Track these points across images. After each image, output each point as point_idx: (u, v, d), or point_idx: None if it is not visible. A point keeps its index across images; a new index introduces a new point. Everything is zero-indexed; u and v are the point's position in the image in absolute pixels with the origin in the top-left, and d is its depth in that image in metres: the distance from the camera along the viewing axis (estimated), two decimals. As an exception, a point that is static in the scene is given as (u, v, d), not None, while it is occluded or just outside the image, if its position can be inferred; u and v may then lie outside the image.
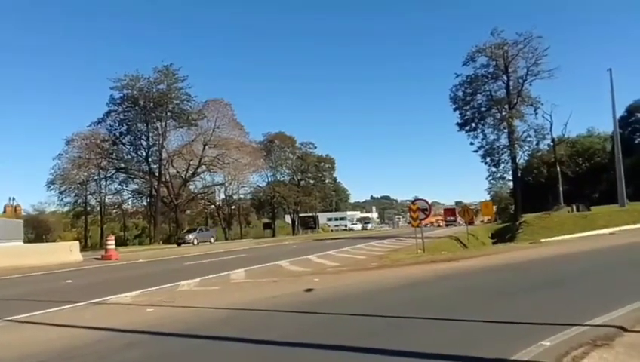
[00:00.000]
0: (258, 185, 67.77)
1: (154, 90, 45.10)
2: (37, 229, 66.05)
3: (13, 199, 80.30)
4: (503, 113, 43.78)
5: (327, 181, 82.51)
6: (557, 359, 4.39)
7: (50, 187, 50.11)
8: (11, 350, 5.54)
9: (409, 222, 31.86)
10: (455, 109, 46.21)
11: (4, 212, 77.99)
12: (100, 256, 22.15)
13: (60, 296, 9.90)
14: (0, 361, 5.08)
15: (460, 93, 45.73)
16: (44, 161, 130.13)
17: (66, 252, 21.13)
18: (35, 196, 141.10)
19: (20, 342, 5.99)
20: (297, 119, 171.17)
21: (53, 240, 54.26)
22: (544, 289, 8.86)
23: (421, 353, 4.75)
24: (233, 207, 65.31)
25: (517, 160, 45.19)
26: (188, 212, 59.14)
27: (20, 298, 10.08)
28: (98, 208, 54.46)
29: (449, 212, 77.04)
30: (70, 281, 13.24)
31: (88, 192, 52.73)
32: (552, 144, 46.03)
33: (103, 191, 53.10)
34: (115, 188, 53.07)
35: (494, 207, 61.29)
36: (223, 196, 63.31)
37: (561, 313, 6.51)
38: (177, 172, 51.46)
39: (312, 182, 75.21)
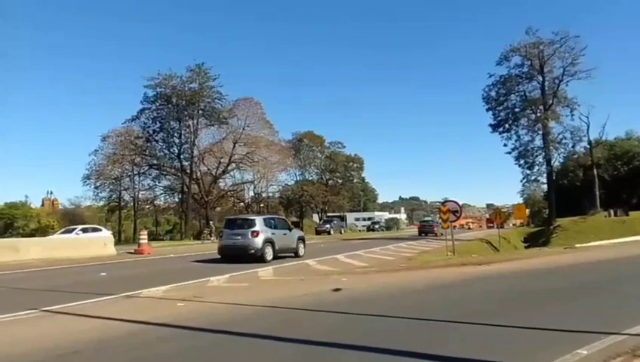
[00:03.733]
0: (287, 184, 68.30)
1: (186, 89, 45.89)
2: (73, 223, 68.04)
3: (51, 193, 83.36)
4: (538, 114, 42.70)
5: (355, 181, 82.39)
6: (594, 368, 4.25)
7: (86, 182, 51.73)
8: (46, 340, 5.70)
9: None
10: (488, 110, 45.39)
11: (42, 205, 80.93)
12: (132, 251, 22.64)
13: (94, 288, 10.15)
14: (35, 350, 5.22)
15: (494, 94, 44.85)
16: (80, 157, 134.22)
17: (101, 245, 21.70)
18: (72, 190, 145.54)
19: (55, 333, 6.16)
20: (326, 119, 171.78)
21: (89, 234, 55.71)
22: (580, 296, 8.60)
23: (450, 357, 4.67)
24: (262, 205, 65.83)
25: (552, 162, 44.06)
26: (218, 209, 59.92)
27: (55, 289, 10.37)
28: (132, 203, 55.83)
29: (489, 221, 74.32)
30: (104, 274, 13.58)
31: (122, 188, 54.13)
32: (588, 146, 44.70)
33: (137, 186, 54.44)
34: (148, 184, 54.32)
35: (527, 211, 59.85)
36: (252, 194, 63.95)
37: (598, 320, 6.30)
38: (208, 169, 52.22)
39: (340, 181, 75.22)
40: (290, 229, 18.42)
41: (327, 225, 53.66)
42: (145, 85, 46.06)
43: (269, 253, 15.96)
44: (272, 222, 17.56)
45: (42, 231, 59.94)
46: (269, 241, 16.09)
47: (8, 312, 7.26)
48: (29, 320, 6.98)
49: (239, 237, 16.19)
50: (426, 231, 41.37)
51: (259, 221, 16.56)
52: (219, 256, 16.76)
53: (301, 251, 18.18)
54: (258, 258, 15.60)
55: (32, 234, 52.22)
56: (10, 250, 18.15)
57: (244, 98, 52.17)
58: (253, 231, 15.88)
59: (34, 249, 18.84)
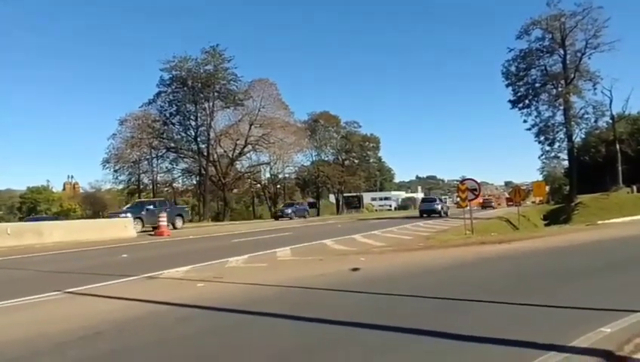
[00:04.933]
0: (303, 165, 68.34)
1: (201, 71, 45.93)
2: (94, 206, 69.41)
3: (72, 177, 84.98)
4: (559, 89, 41.72)
5: (371, 160, 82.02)
6: (618, 346, 4.12)
7: (105, 166, 52.64)
8: (70, 321, 5.81)
9: (456, 203, 31.19)
10: (507, 85, 44.54)
11: (64, 189, 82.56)
12: (152, 232, 22.98)
13: (115, 269, 10.31)
14: (59, 331, 5.31)
15: (513, 69, 43.90)
16: (99, 141, 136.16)
17: (122, 228, 22.05)
18: (92, 174, 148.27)
19: (79, 313, 6.27)
20: (342, 99, 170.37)
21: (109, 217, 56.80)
22: (603, 274, 8.43)
23: (471, 336, 4.60)
24: (278, 186, 66.13)
25: (573, 138, 43.18)
26: (235, 191, 60.38)
27: (78, 271, 10.57)
28: (150, 186, 56.60)
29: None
30: (125, 256, 13.78)
31: (141, 171, 54.90)
32: (611, 121, 43.66)
33: (155, 169, 55.19)
34: (166, 167, 55.07)
35: (547, 188, 59.00)
36: (268, 175, 64.28)
37: (622, 299, 6.14)
38: (224, 151, 52.53)
39: (356, 161, 74.96)
40: None
41: (289, 210, 43.90)
42: (161, 68, 46.35)
43: None
44: None
45: (64, 214, 61.30)
46: None
47: (33, 294, 7.41)
48: (53, 302, 7.12)
49: None
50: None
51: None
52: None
53: None
54: None
55: (54, 218, 53.37)
56: (34, 233, 18.57)
57: (259, 79, 52.16)
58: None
59: (57, 232, 19.25)
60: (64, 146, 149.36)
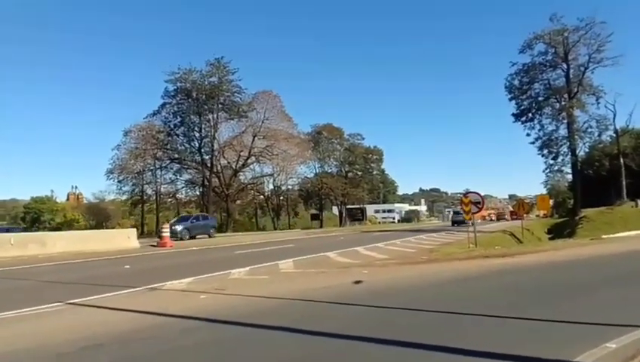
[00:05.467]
0: (306, 176, 68.37)
1: (206, 83, 46.15)
2: (97, 216, 69.65)
3: (76, 187, 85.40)
4: (563, 103, 41.63)
5: (374, 173, 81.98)
6: (624, 362, 4.11)
7: (109, 176, 52.82)
8: (72, 332, 5.80)
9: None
10: (511, 99, 44.42)
11: (68, 200, 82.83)
12: (155, 243, 22.98)
13: (118, 280, 10.31)
14: (61, 342, 5.31)
15: (517, 82, 43.85)
16: (104, 152, 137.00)
17: (124, 238, 22.09)
18: (96, 185, 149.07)
19: (80, 325, 6.26)
20: (346, 111, 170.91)
21: (112, 227, 56.97)
22: (607, 288, 8.37)
23: (474, 351, 4.57)
24: (281, 198, 66.11)
25: (577, 152, 42.96)
26: (238, 202, 60.40)
27: (80, 282, 10.57)
28: (154, 197, 56.75)
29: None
30: (128, 267, 13.79)
31: (145, 182, 55.09)
32: (615, 135, 43.55)
33: (159, 180, 55.35)
34: (170, 178, 55.16)
35: (551, 201, 58.76)
36: (271, 187, 64.33)
37: (626, 314, 6.09)
38: (228, 163, 52.63)
39: (359, 173, 74.94)
40: None
41: (179, 226, 29.19)
42: (165, 80, 46.52)
43: None
44: None
45: (68, 224, 61.43)
46: None
47: (35, 305, 7.42)
48: (55, 313, 7.11)
49: None
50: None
51: None
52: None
53: None
54: None
55: (58, 228, 53.56)
56: (38, 243, 18.63)
57: (263, 91, 52.39)
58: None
59: (60, 242, 19.28)
60: (68, 157, 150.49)
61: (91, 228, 58.24)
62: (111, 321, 6.48)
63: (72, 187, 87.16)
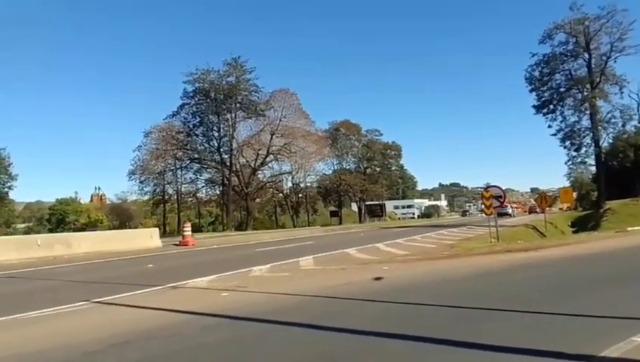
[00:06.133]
0: (324, 174, 68.27)
1: (224, 83, 46.45)
2: (120, 217, 70.87)
3: (99, 189, 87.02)
4: (585, 93, 40.80)
5: (393, 168, 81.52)
6: (650, 356, 4.02)
7: (131, 177, 53.68)
8: (99, 330, 5.92)
9: (481, 210, 30.81)
10: (531, 91, 43.75)
11: (91, 201, 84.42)
12: (177, 242, 23.25)
13: (142, 279, 10.47)
14: (88, 340, 5.42)
15: (537, 74, 43.13)
16: (125, 153, 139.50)
17: (147, 238, 22.40)
18: (118, 186, 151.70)
19: (106, 323, 6.39)
20: (363, 107, 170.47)
21: (135, 227, 57.91)
22: (633, 282, 8.19)
23: (498, 346, 4.52)
24: (300, 195, 66.22)
25: (600, 143, 42.09)
26: (258, 200, 60.72)
27: (105, 281, 10.77)
28: (175, 197, 57.46)
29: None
30: (151, 266, 13.99)
31: (166, 182, 55.79)
32: (639, 125, 42.47)
33: (179, 180, 55.98)
34: (190, 178, 55.71)
35: (574, 194, 57.65)
36: (290, 184, 64.45)
37: (654, 307, 5.96)
38: (247, 161, 52.90)
39: (378, 169, 74.60)
40: None
41: None
42: (184, 81, 46.95)
43: None
44: None
45: (92, 225, 62.62)
46: None
47: (63, 304, 7.59)
48: (82, 312, 7.27)
49: None
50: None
51: None
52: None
53: None
54: None
55: (82, 229, 54.67)
56: (63, 244, 19.01)
57: (280, 89, 52.47)
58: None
59: (85, 243, 19.65)
60: (92, 159, 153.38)
61: (114, 228, 59.26)
62: (135, 319, 6.61)
63: (96, 188, 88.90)
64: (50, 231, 62.28)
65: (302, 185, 64.89)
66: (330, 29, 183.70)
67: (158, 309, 7.16)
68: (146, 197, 58.25)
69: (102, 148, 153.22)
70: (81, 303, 7.72)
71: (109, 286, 9.66)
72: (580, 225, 36.70)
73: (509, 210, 53.99)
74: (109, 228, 58.18)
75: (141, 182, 53.99)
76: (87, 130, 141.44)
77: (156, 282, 9.77)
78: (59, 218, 72.79)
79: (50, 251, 17.90)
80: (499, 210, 50.26)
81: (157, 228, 27.22)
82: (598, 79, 40.02)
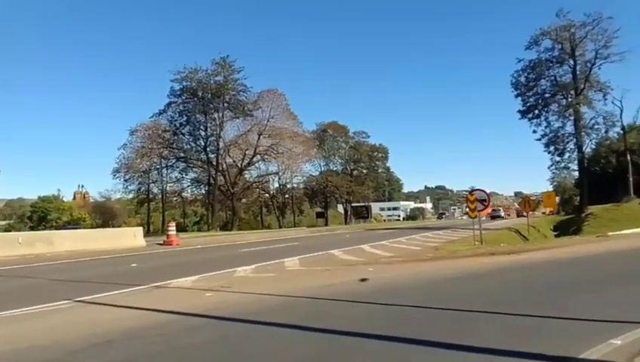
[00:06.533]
0: (311, 175, 68.54)
1: (211, 82, 46.32)
2: (104, 215, 70.08)
3: (82, 186, 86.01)
4: (569, 99, 41.47)
5: (380, 170, 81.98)
6: (629, 358, 4.11)
7: (115, 175, 53.32)
8: (80, 329, 5.86)
9: (466, 213, 31.13)
10: (517, 96, 44.36)
11: (74, 199, 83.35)
12: (161, 242, 23.06)
13: (125, 278, 10.36)
14: (71, 339, 5.37)
15: (523, 79, 43.73)
16: (110, 151, 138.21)
17: (131, 237, 22.18)
18: (102, 184, 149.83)
19: (89, 322, 6.32)
20: (351, 108, 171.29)
21: (119, 226, 57.37)
22: (613, 285, 8.35)
23: (480, 347, 4.58)
24: (287, 196, 66.24)
25: (583, 148, 42.80)
26: (244, 200, 60.57)
27: (88, 280, 10.64)
28: (160, 196, 57.11)
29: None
30: (135, 265, 13.86)
31: (151, 180, 55.47)
32: (622, 132, 43.33)
33: (165, 179, 55.73)
34: (176, 177, 55.54)
35: (557, 198, 58.48)
36: (276, 185, 64.52)
37: (632, 310, 6.08)
38: (234, 161, 52.76)
39: (364, 171, 74.95)
40: None
41: None
42: (171, 79, 46.80)
43: None
44: None
45: (74, 223, 61.81)
46: None
47: (44, 303, 7.49)
48: (64, 311, 7.18)
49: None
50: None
51: None
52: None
53: None
54: None
55: (64, 227, 53.91)
56: (45, 242, 18.74)
57: (269, 90, 52.50)
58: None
59: (67, 241, 19.40)
60: (75, 156, 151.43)
61: (97, 226, 58.58)
62: (119, 319, 6.54)
63: (79, 186, 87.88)
64: (32, 229, 61.36)
65: (288, 185, 64.99)
66: (319, 29, 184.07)
67: (141, 309, 7.10)
68: (131, 196, 57.89)
69: (86, 146, 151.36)
70: (63, 302, 7.62)
71: (91, 286, 9.55)
72: (562, 229, 37.19)
73: (502, 213, 62.05)
74: (92, 227, 57.49)
75: (126, 180, 53.65)
76: (71, 127, 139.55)
77: (139, 281, 9.68)
78: (41, 216, 71.75)
79: (31, 249, 17.63)
80: (493, 214, 53.63)
81: (141, 227, 26.97)
82: (582, 86, 40.68)
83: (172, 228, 23.59)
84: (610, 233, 22.96)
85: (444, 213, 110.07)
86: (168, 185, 56.45)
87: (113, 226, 57.67)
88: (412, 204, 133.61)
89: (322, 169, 69.85)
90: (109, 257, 16.64)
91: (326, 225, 61.25)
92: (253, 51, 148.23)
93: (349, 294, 7.89)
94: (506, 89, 44.96)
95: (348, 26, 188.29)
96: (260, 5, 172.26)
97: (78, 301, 7.79)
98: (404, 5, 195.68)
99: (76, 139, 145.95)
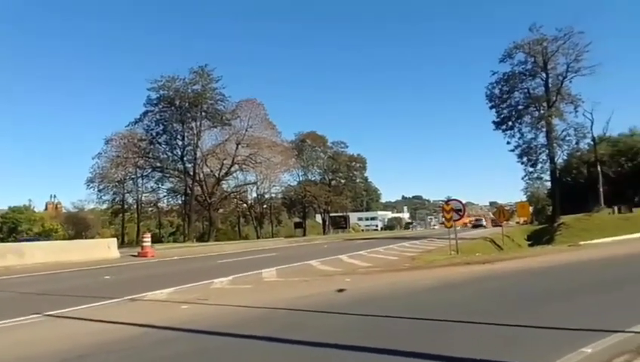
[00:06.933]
0: (289, 185, 68.28)
1: (189, 91, 45.90)
2: (77, 226, 68.47)
3: (54, 197, 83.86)
4: (542, 111, 42.54)
5: (358, 180, 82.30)
6: (599, 367, 4.22)
7: (89, 185, 52.15)
8: (50, 344, 5.72)
9: (442, 223, 31.50)
10: (491, 107, 45.30)
11: (46, 209, 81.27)
12: (136, 253, 22.64)
13: (98, 291, 10.16)
14: (40, 354, 5.22)
15: (497, 91, 44.72)
16: (84, 160, 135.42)
17: (104, 248, 21.70)
18: (75, 194, 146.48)
19: (59, 336, 6.17)
20: (329, 119, 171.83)
21: (92, 237, 56.12)
22: (584, 294, 8.54)
23: (455, 357, 4.64)
24: (265, 206, 65.87)
25: (555, 159, 43.88)
26: (221, 210, 60.00)
27: (59, 293, 10.38)
28: (135, 206, 56.07)
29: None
30: (108, 277, 13.59)
31: (126, 190, 54.45)
32: (592, 143, 44.53)
33: (140, 189, 54.78)
34: (151, 187, 54.67)
35: (531, 208, 59.68)
36: (254, 195, 64.09)
37: (602, 319, 6.23)
38: (211, 171, 52.27)
39: (342, 181, 75.14)
40: None
41: None
42: (148, 88, 46.13)
43: None
44: None
45: (46, 234, 60.23)
46: None
47: (13, 317, 7.27)
48: (34, 325, 6.99)
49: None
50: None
51: None
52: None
53: None
54: None
55: (36, 238, 52.47)
56: (16, 254, 18.19)
57: (247, 99, 52.29)
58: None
59: (38, 253, 18.87)
60: (48, 166, 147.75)
61: (70, 238, 57.19)
62: (91, 332, 6.39)
63: (51, 196, 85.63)
64: (2, 240, 59.48)
65: (267, 195, 64.64)
66: (297, 39, 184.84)
67: (114, 322, 6.95)
68: (105, 206, 56.72)
69: (59, 155, 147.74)
70: (33, 316, 7.42)
71: (62, 299, 9.32)
72: (536, 239, 37.90)
73: (484, 223, 67.87)
74: (64, 238, 56.09)
75: (100, 190, 52.55)
76: (44, 136, 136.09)
77: (113, 294, 9.50)
78: (11, 226, 69.65)
79: (1, 261, 17.08)
80: (475, 223, 62.07)
81: (115, 239, 26.45)
82: (554, 98, 41.79)
83: (147, 239, 23.19)
84: (581, 242, 23.48)
85: (410, 224, 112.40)
86: (144, 195, 55.56)
87: (86, 237, 56.37)
88: (390, 214, 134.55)
89: (301, 179, 69.85)
90: (81, 269, 16.25)
91: (304, 235, 61.06)
92: (232, 60, 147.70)
93: (327, 305, 7.89)
94: (481, 100, 45.79)
95: (326, 36, 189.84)
96: (238, 14, 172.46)
97: (49, 315, 7.59)
98: (382, 16, 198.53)
99: (49, 148, 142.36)
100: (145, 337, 6.00)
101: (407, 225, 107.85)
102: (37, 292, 10.78)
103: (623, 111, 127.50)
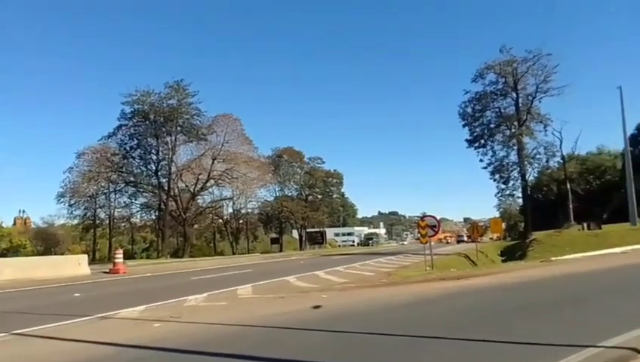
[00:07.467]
0: (266, 200, 68.04)
1: (164, 105, 45.46)
2: (46, 242, 66.40)
3: (23, 211, 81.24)
4: (513, 130, 43.59)
5: (334, 196, 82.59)
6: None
7: (60, 200, 50.85)
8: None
9: (417, 238, 31.79)
10: (464, 126, 46.14)
11: (14, 224, 78.68)
12: (107, 270, 22.12)
13: (67, 309, 9.89)
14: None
15: (469, 110, 45.65)
16: (54, 174, 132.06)
17: (75, 265, 21.14)
18: (45, 209, 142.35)
19: (27, 356, 5.98)
20: (306, 134, 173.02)
21: (62, 253, 54.47)
22: (556, 309, 8.71)
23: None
24: (241, 222, 65.36)
25: (526, 177, 44.87)
26: (196, 226, 59.22)
27: (27, 311, 10.06)
28: (107, 221, 54.81)
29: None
30: (78, 295, 13.24)
31: (98, 205, 53.23)
32: (561, 161, 45.77)
33: (113, 204, 53.59)
34: (124, 202, 53.61)
35: (504, 224, 60.73)
36: (230, 210, 63.56)
37: (574, 333, 6.38)
38: (186, 186, 51.64)
39: (319, 197, 75.28)
40: None
41: None
42: (122, 102, 45.46)
43: None
44: None
45: (14, 250, 58.24)
46: None
47: (-23, 336, 7.01)
48: (1, 344, 6.75)
49: None
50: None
51: None
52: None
53: None
54: None
55: (3, 254, 50.72)
56: (-19, 271, 17.56)
57: (224, 114, 52.09)
58: None
59: (6, 269, 18.31)
60: (16, 180, 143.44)
61: (39, 254, 55.45)
62: (59, 352, 6.20)
63: (19, 211, 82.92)
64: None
65: (243, 211, 64.24)
66: (273, 54, 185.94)
67: (84, 341, 6.76)
68: (76, 222, 55.24)
69: (28, 170, 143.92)
70: (1, 334, 7.18)
71: (31, 317, 9.04)
72: (509, 254, 38.55)
73: (465, 238, 71.88)
74: (33, 254, 54.34)
75: (71, 205, 51.25)
76: (12, 149, 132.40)
77: (83, 312, 9.26)
78: (-24, 242, 67.16)
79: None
80: (459, 239, 71.14)
81: (86, 255, 25.80)
82: (524, 117, 42.92)
83: (119, 255, 22.70)
84: (552, 258, 23.99)
85: (370, 239, 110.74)
86: (116, 210, 54.40)
87: (56, 253, 54.67)
88: (366, 230, 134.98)
89: (277, 194, 69.72)
90: (51, 286, 15.81)
91: (280, 251, 60.70)
92: (207, 75, 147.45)
93: (303, 322, 7.86)
94: (455, 118, 46.63)
95: (302, 51, 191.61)
96: (213, 29, 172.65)
97: (16, 334, 7.36)
98: (358, 31, 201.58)
99: (17, 162, 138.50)
100: (116, 356, 5.87)
101: (366, 242, 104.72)
102: (5, 310, 10.44)
103: (592, 131, 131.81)
